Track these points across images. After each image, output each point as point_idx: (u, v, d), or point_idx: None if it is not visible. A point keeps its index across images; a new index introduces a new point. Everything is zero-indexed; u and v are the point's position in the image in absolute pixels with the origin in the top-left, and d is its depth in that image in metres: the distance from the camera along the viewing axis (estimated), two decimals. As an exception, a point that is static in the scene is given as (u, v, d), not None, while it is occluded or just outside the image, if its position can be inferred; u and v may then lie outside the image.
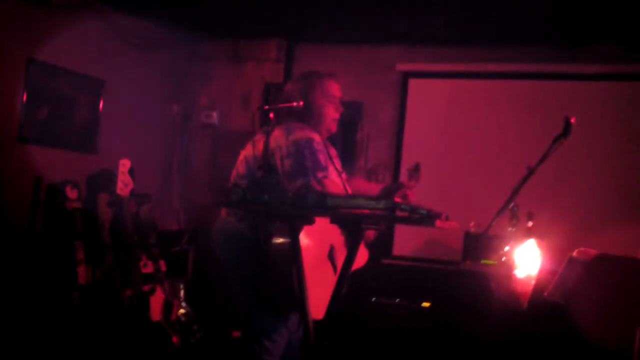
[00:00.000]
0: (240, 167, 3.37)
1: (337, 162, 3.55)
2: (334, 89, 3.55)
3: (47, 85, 5.45)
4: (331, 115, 3.52)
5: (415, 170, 3.70)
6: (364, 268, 3.34)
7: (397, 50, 6.58)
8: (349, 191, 3.47)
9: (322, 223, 2.96)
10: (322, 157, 3.19)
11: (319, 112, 3.45)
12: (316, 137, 3.27)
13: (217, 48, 7.10)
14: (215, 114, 6.99)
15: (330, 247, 3.13)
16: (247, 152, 3.37)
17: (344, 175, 3.57)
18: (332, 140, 3.65)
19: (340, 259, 3.18)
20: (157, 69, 6.76)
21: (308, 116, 3.38)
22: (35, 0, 5.27)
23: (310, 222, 2.81)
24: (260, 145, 3.21)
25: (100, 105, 6.02)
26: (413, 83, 6.57)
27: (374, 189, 3.83)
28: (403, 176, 6.38)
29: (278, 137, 3.19)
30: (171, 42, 6.89)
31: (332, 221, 2.98)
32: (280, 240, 2.93)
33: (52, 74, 5.49)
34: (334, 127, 3.55)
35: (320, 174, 3.09)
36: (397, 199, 3.47)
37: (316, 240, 2.92)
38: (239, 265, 3.25)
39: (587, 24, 5.51)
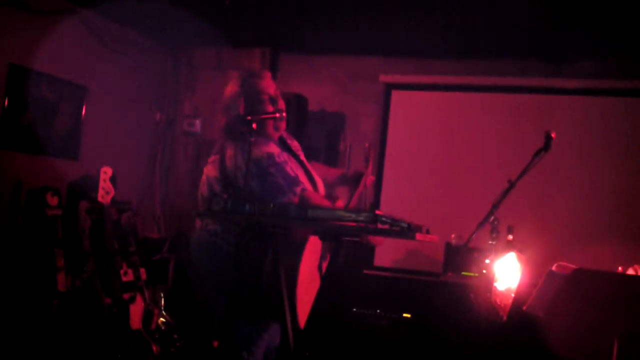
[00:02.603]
0: (204, 188, 3.32)
1: (301, 154, 3.54)
2: (265, 86, 3.37)
3: (28, 91, 5.42)
4: (284, 109, 3.40)
5: (367, 153, 3.80)
6: (345, 278, 3.35)
7: (380, 61, 6.61)
8: (318, 180, 3.45)
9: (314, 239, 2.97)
10: (288, 169, 3.16)
11: (284, 111, 3.36)
12: (274, 149, 3.23)
13: (200, 56, 7.10)
14: (198, 122, 6.98)
15: (320, 260, 3.13)
16: (209, 172, 3.31)
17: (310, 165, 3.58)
18: (314, 151, 3.67)
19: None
20: (140, 76, 6.74)
21: (267, 121, 3.26)
22: (16, 6, 5.24)
23: (291, 234, 2.81)
24: (218, 167, 3.20)
25: (83, 111, 5.99)
26: (396, 94, 6.59)
27: (333, 174, 3.84)
28: (386, 186, 6.43)
29: (234, 156, 3.14)
30: (154, 50, 6.88)
31: (313, 233, 2.99)
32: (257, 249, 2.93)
33: (34, 79, 5.45)
34: (283, 124, 3.42)
35: (298, 189, 3.08)
36: (361, 186, 3.54)
37: (309, 255, 2.92)
38: (216, 277, 3.24)
39: (570, 39, 5.56)
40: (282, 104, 3.38)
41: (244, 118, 3.07)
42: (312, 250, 3.01)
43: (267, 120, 3.30)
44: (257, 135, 3.18)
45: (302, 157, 3.49)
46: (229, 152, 3.16)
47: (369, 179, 3.75)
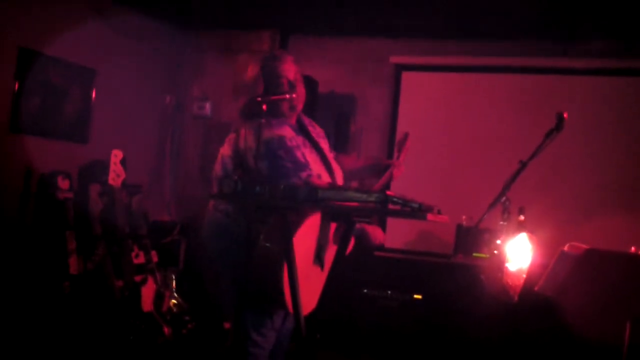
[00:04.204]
0: (217, 167, 3.32)
1: (324, 142, 3.51)
2: (284, 69, 3.33)
3: (38, 75, 5.42)
4: (303, 92, 3.38)
5: (403, 141, 3.63)
6: (356, 260, 3.33)
7: (390, 43, 6.57)
8: (337, 170, 3.43)
9: (309, 225, 2.96)
10: (298, 154, 3.14)
11: (298, 93, 3.32)
12: (287, 133, 3.21)
13: (210, 39, 7.07)
14: (207, 105, 6.97)
15: (318, 247, 3.11)
16: (224, 151, 3.32)
17: (332, 154, 3.55)
18: (326, 133, 3.63)
19: (327, 256, 3.17)
20: (150, 60, 6.73)
21: (271, 106, 3.17)
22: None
23: (301, 214, 2.80)
24: (233, 145, 3.19)
25: (92, 95, 5.99)
26: (406, 76, 6.57)
27: (360, 163, 3.78)
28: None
29: (246, 136, 3.12)
30: (164, 33, 6.86)
31: (323, 214, 2.98)
32: (267, 243, 2.92)
33: (44, 63, 5.46)
34: (299, 107, 3.38)
35: (304, 174, 3.06)
36: (386, 176, 3.47)
37: (304, 243, 2.91)
38: (228, 260, 3.24)
39: (581, 18, 5.51)
40: (301, 88, 3.36)
41: (255, 99, 3.05)
42: (308, 238, 2.99)
43: (282, 102, 3.27)
44: (272, 117, 3.18)
45: (323, 145, 3.46)
46: (242, 131, 3.16)
47: (398, 169, 3.53)
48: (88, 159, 5.72)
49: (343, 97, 6.69)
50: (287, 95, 3.22)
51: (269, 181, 2.97)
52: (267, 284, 2.89)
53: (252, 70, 3.40)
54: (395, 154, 3.63)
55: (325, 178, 3.24)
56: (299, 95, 3.33)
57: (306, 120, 3.49)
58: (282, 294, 2.83)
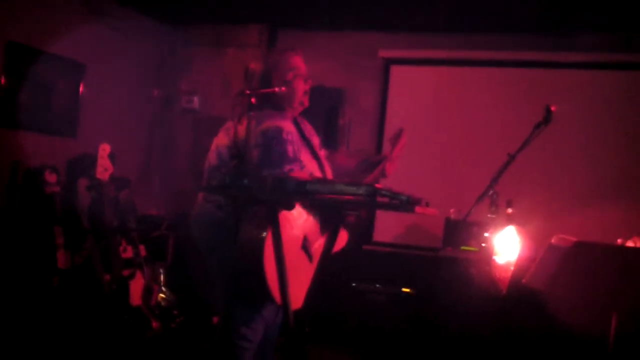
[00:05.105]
0: (212, 157, 3.29)
1: (315, 140, 3.51)
2: (298, 61, 3.41)
3: (26, 69, 5.39)
4: (301, 87, 3.39)
5: (397, 136, 3.61)
6: (344, 253, 3.33)
7: (379, 36, 6.57)
8: (328, 169, 3.43)
9: (292, 214, 2.95)
10: (290, 149, 3.13)
11: (289, 88, 3.32)
12: (286, 126, 3.19)
13: (198, 33, 7.06)
14: (196, 99, 6.96)
15: (304, 238, 3.11)
16: (219, 140, 3.29)
17: (323, 152, 3.55)
18: (313, 126, 3.62)
19: (314, 248, 3.17)
20: (138, 54, 6.70)
21: (279, 96, 3.24)
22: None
23: (290, 207, 2.80)
24: (232, 135, 3.18)
25: (81, 89, 5.97)
26: (395, 70, 6.57)
27: (354, 162, 3.77)
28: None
29: (248, 125, 3.13)
30: (152, 27, 6.83)
31: (312, 206, 2.97)
32: (251, 230, 2.89)
33: (32, 57, 5.43)
34: (306, 101, 3.42)
35: (286, 167, 3.05)
36: (377, 172, 3.46)
37: (288, 232, 2.90)
38: (216, 253, 3.22)
39: (571, 12, 5.52)
40: (297, 82, 3.36)
41: (244, 92, 3.04)
42: (289, 228, 2.98)
43: (281, 96, 3.28)
44: (274, 109, 3.21)
45: (314, 142, 3.46)
46: (243, 120, 3.15)
47: (392, 164, 3.47)
48: (76, 153, 5.70)
49: (332, 91, 6.68)
50: (277, 89, 3.21)
51: (257, 170, 2.97)
52: (250, 273, 2.87)
53: (253, 64, 3.39)
54: (389, 149, 3.59)
55: (317, 175, 3.24)
56: (298, 90, 3.35)
57: (298, 118, 3.49)
58: (265, 283, 2.81)
